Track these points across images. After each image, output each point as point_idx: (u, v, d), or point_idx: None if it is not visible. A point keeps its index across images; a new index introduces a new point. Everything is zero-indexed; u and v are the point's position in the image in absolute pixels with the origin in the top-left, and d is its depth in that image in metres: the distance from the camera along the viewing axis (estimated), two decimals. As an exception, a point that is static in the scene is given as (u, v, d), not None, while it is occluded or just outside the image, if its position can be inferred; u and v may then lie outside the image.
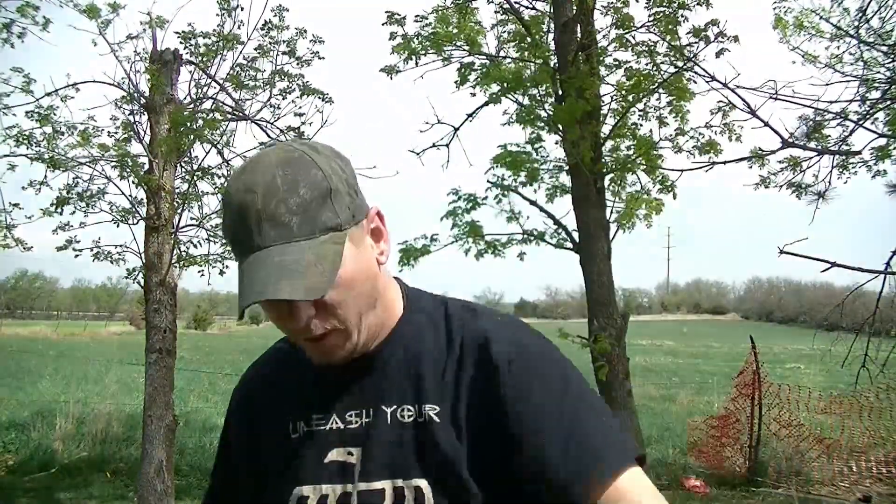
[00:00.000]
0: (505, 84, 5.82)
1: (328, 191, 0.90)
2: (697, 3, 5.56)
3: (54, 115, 5.61)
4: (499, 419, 0.92)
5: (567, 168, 6.10)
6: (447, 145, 6.58)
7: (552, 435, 0.89)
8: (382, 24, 6.16)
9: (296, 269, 0.86)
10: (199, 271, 5.95)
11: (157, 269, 5.48)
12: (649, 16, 5.76)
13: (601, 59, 6.01)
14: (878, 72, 6.09)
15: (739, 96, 4.91)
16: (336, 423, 0.99)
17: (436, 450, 0.93)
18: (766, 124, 4.74)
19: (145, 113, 5.66)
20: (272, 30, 5.77)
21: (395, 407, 0.97)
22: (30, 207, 5.61)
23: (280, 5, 5.76)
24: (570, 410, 0.91)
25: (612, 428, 0.93)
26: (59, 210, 5.55)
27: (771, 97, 4.84)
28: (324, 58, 5.91)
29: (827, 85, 6.01)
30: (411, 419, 0.96)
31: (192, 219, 5.94)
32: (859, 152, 5.80)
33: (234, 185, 0.91)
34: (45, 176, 5.59)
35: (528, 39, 6.15)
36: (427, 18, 6.20)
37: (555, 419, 0.90)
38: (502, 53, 6.46)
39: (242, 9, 5.67)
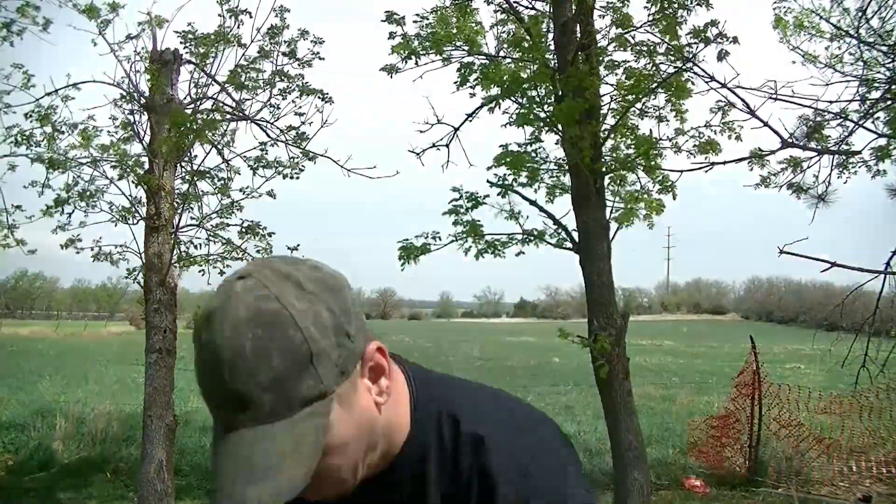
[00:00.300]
0: (504, 86, 5.82)
1: (308, 357, 0.78)
2: (697, 3, 5.55)
3: (54, 114, 5.62)
4: None
5: (567, 168, 6.10)
6: (447, 145, 6.57)
7: None
8: (381, 21, 6.16)
9: (266, 465, 0.76)
10: (199, 271, 5.96)
11: (157, 269, 5.48)
12: (648, 15, 5.76)
13: (601, 58, 6.01)
14: (879, 72, 6.08)
15: (739, 97, 4.92)
16: None
17: None
18: (766, 125, 4.75)
19: (145, 113, 5.67)
20: (276, 34, 5.77)
21: None
22: (31, 208, 5.63)
23: (281, 6, 5.76)
24: None
25: None
26: (58, 210, 5.56)
27: (770, 97, 4.84)
28: (324, 58, 5.91)
29: (827, 85, 6.01)
30: None
31: (192, 219, 5.96)
32: (859, 152, 5.80)
33: (201, 337, 0.79)
34: (47, 178, 5.60)
35: (528, 39, 6.15)
36: (427, 18, 6.20)
37: None
38: (502, 53, 6.46)
39: (251, 15, 5.67)
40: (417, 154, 6.52)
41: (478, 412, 0.95)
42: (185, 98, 5.77)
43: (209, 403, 0.81)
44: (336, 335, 0.81)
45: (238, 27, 5.71)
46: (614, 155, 6.24)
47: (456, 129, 6.55)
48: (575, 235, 5.95)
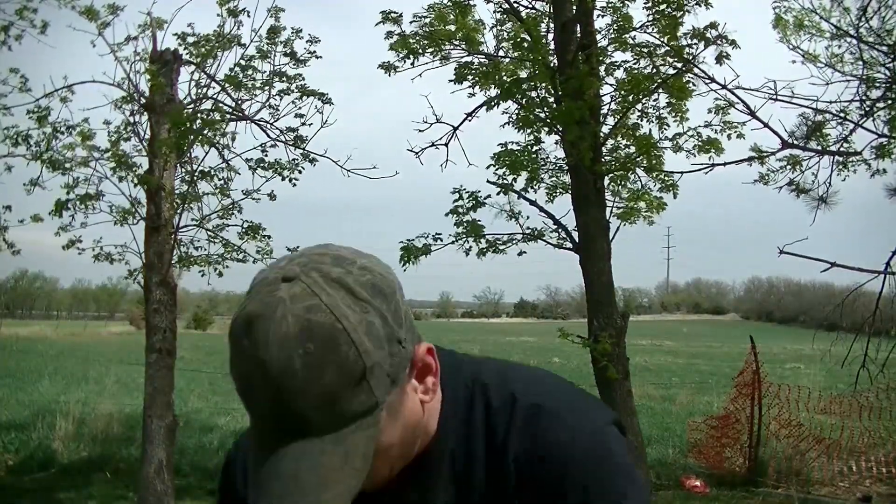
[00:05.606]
0: (503, 87, 5.83)
1: (362, 373, 0.73)
2: (696, 3, 5.56)
3: (52, 114, 5.63)
4: None
5: (567, 168, 6.10)
6: (446, 145, 6.57)
7: None
8: (376, 25, 6.16)
9: (314, 481, 0.72)
10: (199, 272, 5.97)
11: (157, 269, 5.49)
12: (648, 15, 5.76)
13: (601, 59, 6.01)
14: (879, 72, 6.08)
15: (739, 98, 4.93)
16: None
17: None
18: (766, 125, 4.75)
19: (145, 113, 5.67)
20: (274, 34, 5.77)
21: None
22: (27, 209, 5.64)
23: (276, 6, 5.76)
24: None
25: None
26: (58, 214, 5.57)
27: (770, 98, 4.85)
28: (321, 57, 5.91)
29: (827, 85, 6.00)
30: None
31: (192, 219, 5.96)
32: (859, 152, 5.80)
33: (241, 344, 0.73)
34: (41, 176, 5.61)
35: (528, 39, 6.14)
36: (425, 17, 6.20)
37: None
38: (501, 53, 6.46)
39: (249, 14, 5.67)
40: (417, 154, 6.52)
41: (499, 372, 0.92)
42: (185, 98, 5.78)
43: (251, 415, 0.76)
44: (389, 345, 0.76)
45: (237, 27, 5.71)
46: (615, 155, 6.25)
47: (455, 129, 6.55)
48: (575, 235, 5.95)
